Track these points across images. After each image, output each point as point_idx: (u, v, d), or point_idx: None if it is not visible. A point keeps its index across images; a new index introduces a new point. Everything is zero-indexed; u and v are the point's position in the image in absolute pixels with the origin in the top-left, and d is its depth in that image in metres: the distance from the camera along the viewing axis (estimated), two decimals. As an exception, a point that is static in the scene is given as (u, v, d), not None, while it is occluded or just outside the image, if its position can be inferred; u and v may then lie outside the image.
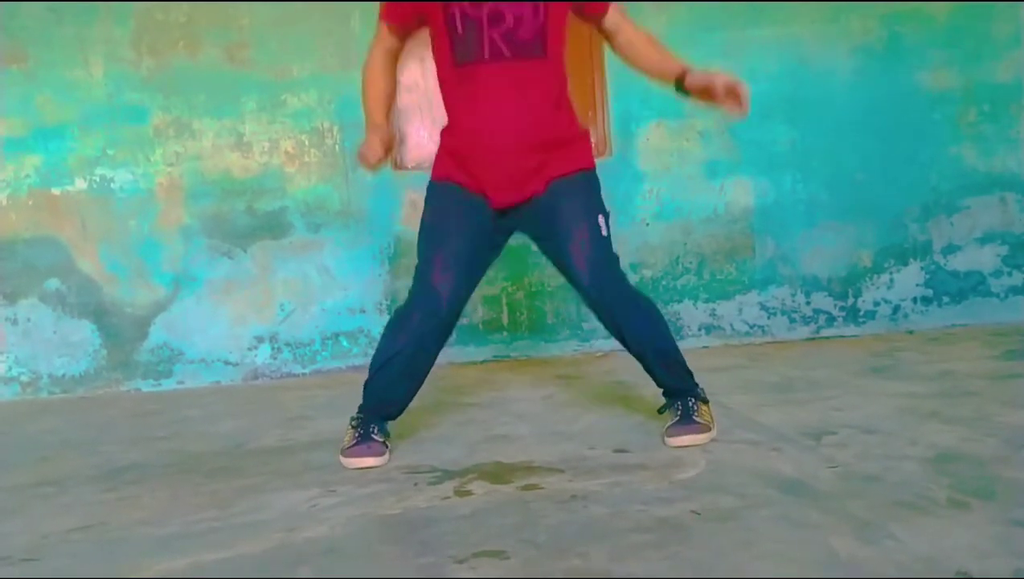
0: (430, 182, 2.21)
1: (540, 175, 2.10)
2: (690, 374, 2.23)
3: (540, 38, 2.07)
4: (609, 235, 2.14)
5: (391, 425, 2.25)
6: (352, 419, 2.22)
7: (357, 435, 2.16)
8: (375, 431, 2.16)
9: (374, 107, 2.26)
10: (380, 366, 2.18)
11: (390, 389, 2.20)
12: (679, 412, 2.15)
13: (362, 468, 2.09)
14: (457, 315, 2.19)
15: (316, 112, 3.97)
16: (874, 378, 2.90)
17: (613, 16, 2.19)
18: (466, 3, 2.04)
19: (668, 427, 2.14)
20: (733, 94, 2.09)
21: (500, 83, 2.06)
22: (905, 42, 4.08)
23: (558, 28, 2.12)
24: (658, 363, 2.20)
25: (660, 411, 2.25)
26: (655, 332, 2.19)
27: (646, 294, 2.28)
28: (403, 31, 2.21)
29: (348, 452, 2.13)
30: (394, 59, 2.27)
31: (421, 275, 2.18)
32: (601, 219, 2.13)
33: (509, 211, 2.14)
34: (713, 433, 2.14)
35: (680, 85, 2.17)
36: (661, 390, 2.26)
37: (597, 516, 1.58)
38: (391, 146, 2.21)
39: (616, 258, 2.17)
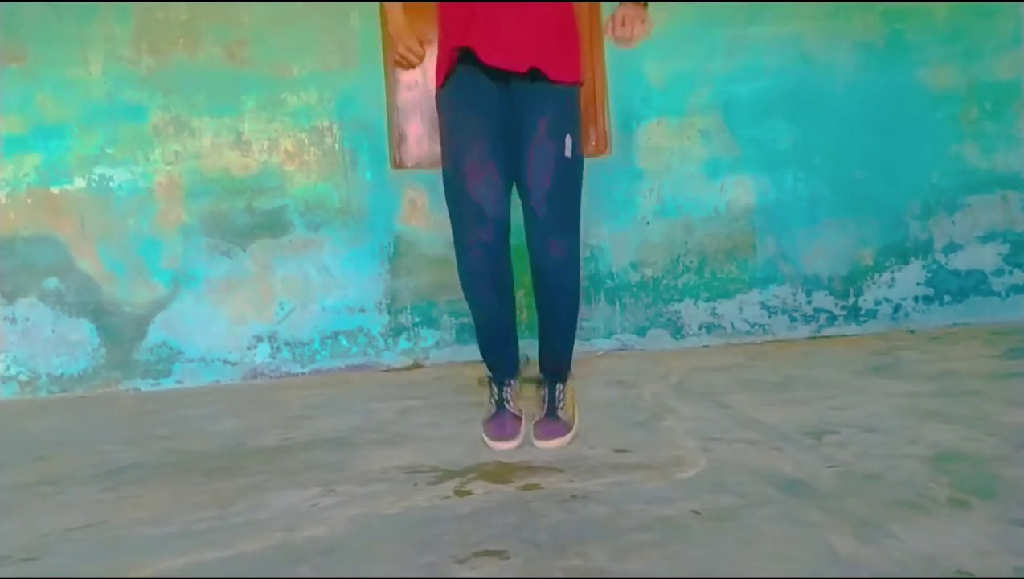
0: (437, 91, 2.19)
1: (532, 50, 2.06)
2: (570, 354, 2.27)
3: None
4: (574, 156, 2.09)
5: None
6: (484, 380, 2.30)
7: (493, 406, 2.25)
8: (509, 398, 2.24)
9: (398, 7, 2.18)
10: (480, 306, 2.18)
11: (499, 323, 2.21)
12: (544, 402, 2.25)
13: (504, 450, 2.14)
14: (508, 204, 2.10)
15: (316, 110, 3.96)
16: (875, 377, 2.90)
17: None
18: None
19: (535, 423, 2.21)
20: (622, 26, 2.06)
21: None
22: (906, 39, 4.08)
23: None
24: (563, 337, 2.23)
25: (530, 380, 2.31)
26: (570, 281, 2.16)
27: (577, 258, 2.20)
28: None
29: (488, 428, 2.21)
30: None
31: (459, 192, 2.07)
32: (569, 140, 2.08)
33: (507, 76, 2.09)
34: (574, 432, 2.21)
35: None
36: (540, 364, 2.30)
37: (597, 515, 1.57)
38: (421, 38, 2.15)
39: (576, 183, 2.12)
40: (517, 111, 2.10)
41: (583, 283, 2.25)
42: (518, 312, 3.98)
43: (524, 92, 2.10)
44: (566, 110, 2.12)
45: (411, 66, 2.16)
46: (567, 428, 2.20)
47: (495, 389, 2.29)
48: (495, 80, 2.10)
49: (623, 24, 2.04)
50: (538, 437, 2.17)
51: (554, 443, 2.14)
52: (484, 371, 2.32)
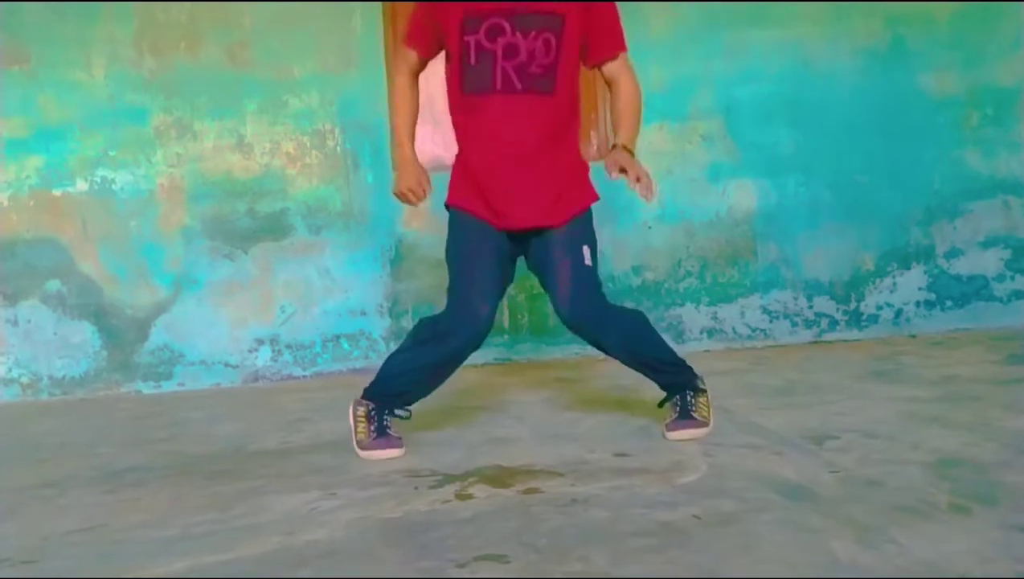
0: (451, 208, 2.28)
1: (558, 208, 2.19)
2: (686, 369, 2.32)
3: (551, 73, 2.14)
4: (594, 264, 2.23)
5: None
6: (360, 406, 2.28)
7: (373, 429, 2.24)
8: (389, 425, 2.25)
9: (404, 129, 2.30)
10: (405, 371, 2.27)
11: (411, 390, 2.29)
12: (677, 407, 2.27)
13: (386, 458, 2.17)
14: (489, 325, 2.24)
15: (317, 113, 3.97)
16: (876, 382, 2.90)
17: (617, 64, 2.27)
18: (482, 35, 2.10)
19: (668, 422, 2.25)
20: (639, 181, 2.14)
21: (508, 114, 2.14)
22: (908, 44, 4.08)
23: (570, 65, 2.18)
24: (648, 370, 2.31)
25: (659, 405, 2.35)
26: (636, 348, 2.29)
27: (632, 309, 2.42)
28: (426, 54, 2.26)
29: (370, 446, 2.22)
30: (416, 78, 2.31)
31: (462, 299, 2.21)
32: (586, 249, 2.22)
33: (520, 236, 2.22)
34: (711, 427, 2.24)
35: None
36: (659, 386, 2.35)
37: (598, 520, 1.57)
38: (427, 176, 2.27)
39: (598, 284, 2.25)
40: (535, 247, 2.23)
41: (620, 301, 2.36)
42: (519, 315, 4.01)
43: (543, 235, 2.21)
44: (582, 230, 2.24)
45: (411, 203, 2.28)
46: (702, 423, 2.23)
47: (378, 417, 2.26)
48: (508, 234, 2.23)
49: (638, 180, 2.11)
50: (670, 430, 2.23)
51: (686, 434, 2.20)
52: (366, 407, 2.27)
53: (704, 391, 2.30)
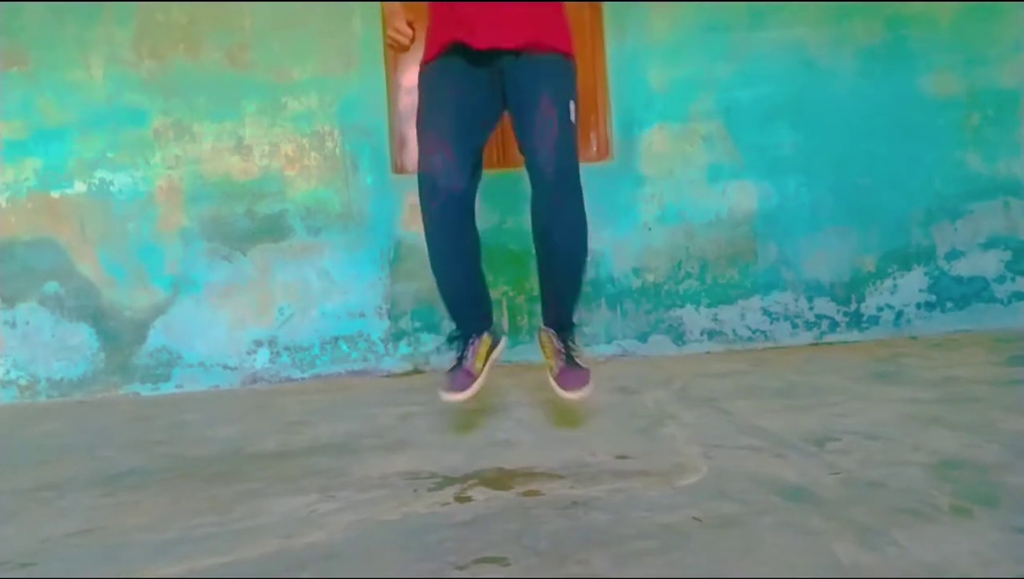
0: (421, 65, 2.25)
1: (521, 26, 2.13)
2: (577, 305, 2.33)
3: None
4: (576, 122, 2.17)
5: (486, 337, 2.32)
6: (449, 336, 2.34)
7: (454, 360, 2.28)
8: (468, 355, 2.26)
9: None
10: (434, 266, 2.26)
11: (447, 284, 2.27)
12: (561, 354, 2.26)
13: (455, 400, 2.21)
14: (471, 181, 2.19)
15: (317, 115, 3.97)
16: (877, 384, 2.89)
17: None
18: None
19: (557, 374, 2.24)
20: None
21: None
22: (909, 45, 4.08)
23: None
24: (565, 275, 2.28)
25: (542, 325, 2.35)
26: (578, 241, 2.24)
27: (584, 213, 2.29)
28: None
29: (443, 381, 2.25)
30: None
31: (423, 160, 2.20)
32: (572, 106, 2.17)
33: (495, 59, 2.16)
34: (591, 383, 2.24)
35: None
36: (544, 313, 2.34)
37: (598, 522, 1.57)
38: (412, 16, 2.22)
39: (577, 146, 2.18)
40: (514, 86, 2.17)
41: (590, 253, 2.33)
42: (518, 317, 4.01)
43: (519, 67, 2.15)
44: (565, 78, 2.19)
45: (402, 48, 2.23)
46: (588, 376, 2.23)
47: (458, 344, 2.31)
48: (482, 64, 2.16)
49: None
50: (564, 387, 2.21)
51: (581, 393, 2.19)
52: (452, 328, 2.34)
53: (577, 326, 2.31)
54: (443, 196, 2.15)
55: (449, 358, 2.31)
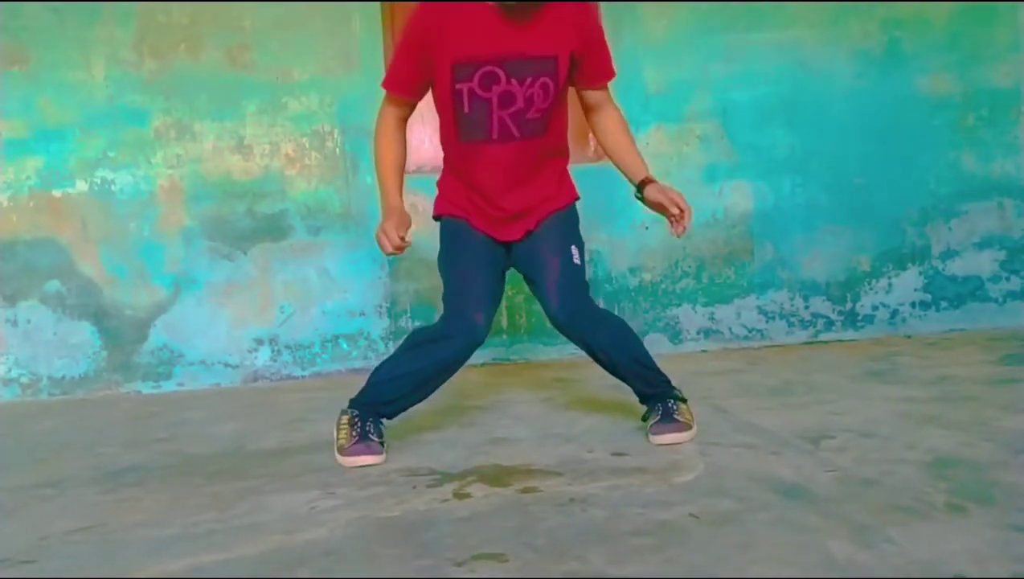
0: (443, 217, 2.30)
1: (532, 216, 2.22)
2: (666, 380, 2.29)
3: (547, 116, 2.14)
4: (582, 264, 2.24)
5: (384, 425, 2.28)
6: (344, 414, 2.25)
7: (354, 435, 2.17)
8: (371, 431, 2.19)
9: (389, 179, 2.23)
10: (394, 377, 2.22)
11: (398, 398, 2.24)
12: (659, 412, 2.21)
13: (362, 466, 2.12)
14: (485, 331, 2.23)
15: (317, 115, 3.97)
16: (872, 382, 2.91)
17: (603, 92, 2.27)
18: (475, 84, 2.04)
19: (651, 425, 2.20)
20: (680, 217, 2.22)
21: (505, 159, 2.14)
22: (904, 46, 4.09)
23: (562, 100, 2.19)
24: (631, 375, 2.28)
25: (644, 418, 2.29)
26: (624, 348, 2.26)
27: (615, 314, 2.47)
28: (410, 100, 2.21)
29: (348, 451, 2.15)
30: (404, 123, 2.26)
31: (457, 307, 2.20)
32: (574, 249, 2.23)
33: (507, 246, 2.25)
34: (694, 431, 2.20)
35: (640, 192, 2.29)
36: (639, 399, 2.32)
37: (596, 519, 1.58)
38: (408, 226, 2.19)
39: (586, 285, 2.26)
40: (525, 245, 2.24)
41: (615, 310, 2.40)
42: (516, 316, 4.02)
43: (527, 242, 2.25)
44: (572, 226, 2.28)
45: (385, 253, 2.16)
46: (686, 427, 2.19)
47: (361, 423, 2.20)
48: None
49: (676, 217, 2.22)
50: (655, 433, 2.17)
51: (669, 438, 2.16)
52: (350, 415, 2.23)
53: (684, 400, 2.27)
54: (468, 351, 2.19)
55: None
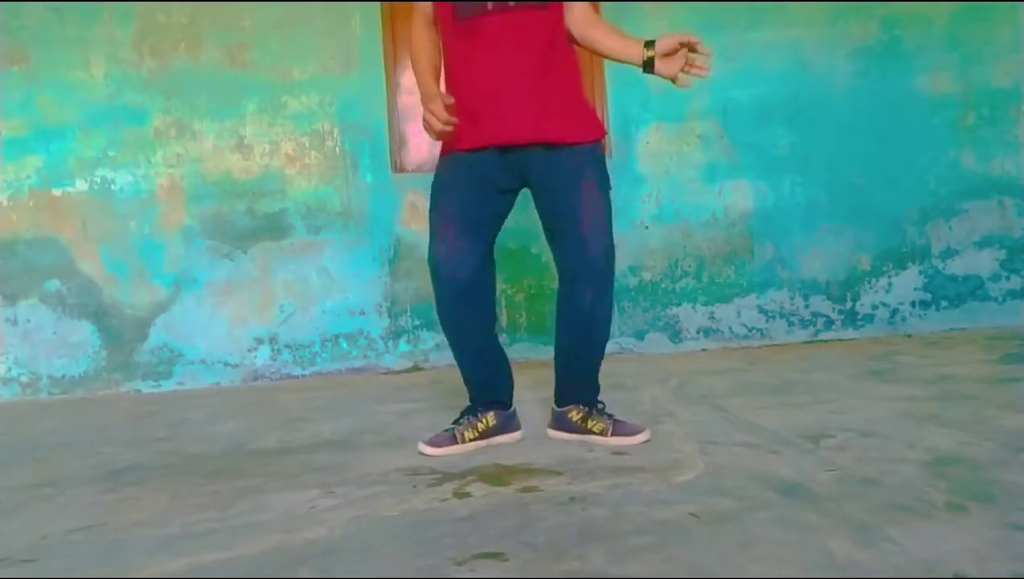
0: (442, 155, 2.24)
1: (544, 123, 2.11)
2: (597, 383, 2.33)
3: None
4: (610, 213, 2.18)
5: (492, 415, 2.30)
6: (462, 411, 2.33)
7: (450, 426, 2.28)
8: (466, 422, 2.27)
9: (426, 73, 2.22)
10: (448, 338, 2.29)
11: (463, 356, 2.30)
12: (608, 418, 2.26)
13: (433, 455, 2.18)
14: (479, 270, 2.19)
15: (317, 114, 3.98)
16: (872, 381, 2.90)
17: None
18: None
19: (613, 430, 2.22)
20: (692, 52, 2.15)
21: (501, 33, 2.09)
22: (904, 45, 4.09)
23: None
24: (599, 348, 2.28)
25: (558, 403, 2.32)
26: (607, 329, 2.26)
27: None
28: None
29: (431, 435, 2.27)
30: (433, 25, 2.24)
31: (431, 241, 2.19)
32: (611, 194, 2.19)
33: (514, 156, 2.14)
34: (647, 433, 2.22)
35: (649, 61, 2.16)
36: (567, 393, 2.31)
37: (596, 518, 1.58)
38: (451, 103, 2.13)
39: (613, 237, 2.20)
40: (549, 181, 2.15)
41: None
42: (516, 315, 4.02)
43: (554, 161, 2.14)
44: (602, 167, 2.20)
45: (435, 133, 2.14)
46: (637, 426, 2.24)
47: (461, 416, 2.30)
48: (508, 155, 2.14)
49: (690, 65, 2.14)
50: (627, 434, 2.21)
51: (645, 434, 2.19)
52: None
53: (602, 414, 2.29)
54: (447, 284, 2.18)
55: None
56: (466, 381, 2.32)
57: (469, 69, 2.14)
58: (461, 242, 2.15)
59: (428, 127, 2.13)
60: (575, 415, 2.27)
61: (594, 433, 2.23)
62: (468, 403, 2.32)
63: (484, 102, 2.11)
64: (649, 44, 2.14)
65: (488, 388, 2.31)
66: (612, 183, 2.21)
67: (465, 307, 2.22)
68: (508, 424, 2.31)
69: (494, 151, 2.13)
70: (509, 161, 2.14)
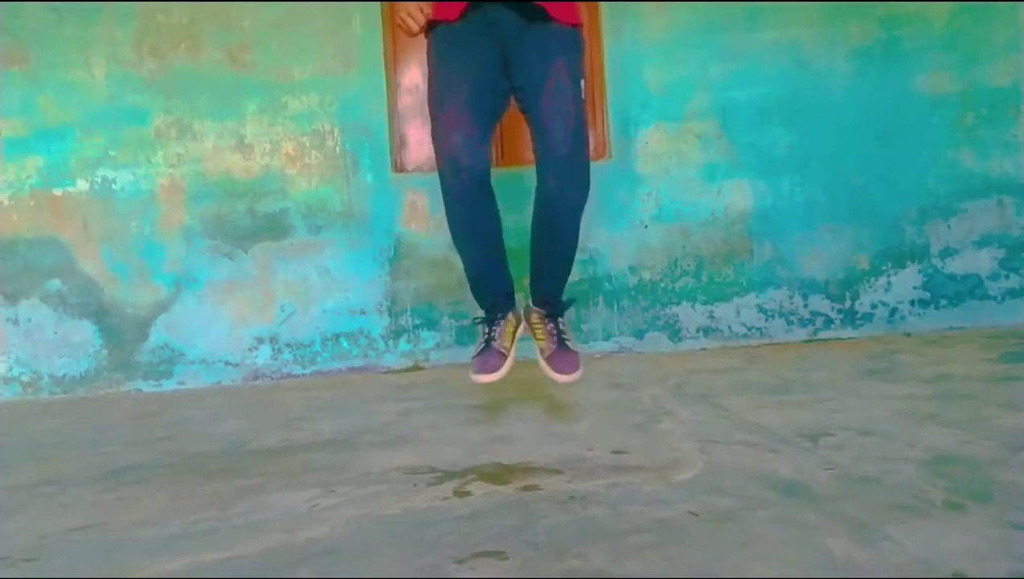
0: (428, 32, 2.19)
1: None
2: (566, 285, 2.33)
3: None
4: (584, 101, 2.14)
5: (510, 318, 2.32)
6: (475, 320, 2.34)
7: (482, 342, 2.27)
8: (496, 336, 2.25)
9: None
10: (458, 245, 2.27)
11: (477, 260, 2.28)
12: (553, 336, 2.27)
13: (484, 383, 2.21)
14: (485, 155, 2.12)
15: (317, 114, 3.98)
16: (871, 380, 2.91)
17: None
18: None
19: (549, 357, 2.25)
20: None
21: None
22: (903, 45, 4.10)
23: None
24: (565, 252, 2.27)
25: (530, 305, 2.35)
26: (579, 220, 2.21)
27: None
28: None
29: (474, 363, 2.24)
30: None
31: (438, 144, 2.12)
32: (583, 84, 2.14)
33: (492, 16, 2.10)
34: (581, 367, 2.26)
35: None
36: (533, 292, 2.33)
37: (596, 517, 1.58)
38: (423, 8, 2.12)
39: (587, 125, 2.16)
40: (525, 60, 2.10)
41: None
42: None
43: (529, 34, 2.10)
44: (576, 54, 2.15)
45: (411, 32, 2.13)
46: (578, 359, 2.25)
47: (484, 328, 2.31)
48: (488, 29, 2.10)
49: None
50: (557, 370, 2.22)
51: (573, 376, 2.21)
52: (478, 311, 2.34)
53: (567, 306, 2.31)
54: (465, 174, 2.08)
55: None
56: (481, 287, 2.30)
57: None
58: (476, 129, 2.08)
59: (406, 25, 2.11)
60: (534, 317, 2.31)
61: (539, 345, 2.28)
62: (481, 317, 2.32)
63: None
64: None
65: (506, 290, 2.32)
66: (586, 77, 2.18)
67: (487, 201, 2.17)
68: (520, 318, 2.37)
69: (477, 16, 2.09)
70: (491, 24, 2.10)
